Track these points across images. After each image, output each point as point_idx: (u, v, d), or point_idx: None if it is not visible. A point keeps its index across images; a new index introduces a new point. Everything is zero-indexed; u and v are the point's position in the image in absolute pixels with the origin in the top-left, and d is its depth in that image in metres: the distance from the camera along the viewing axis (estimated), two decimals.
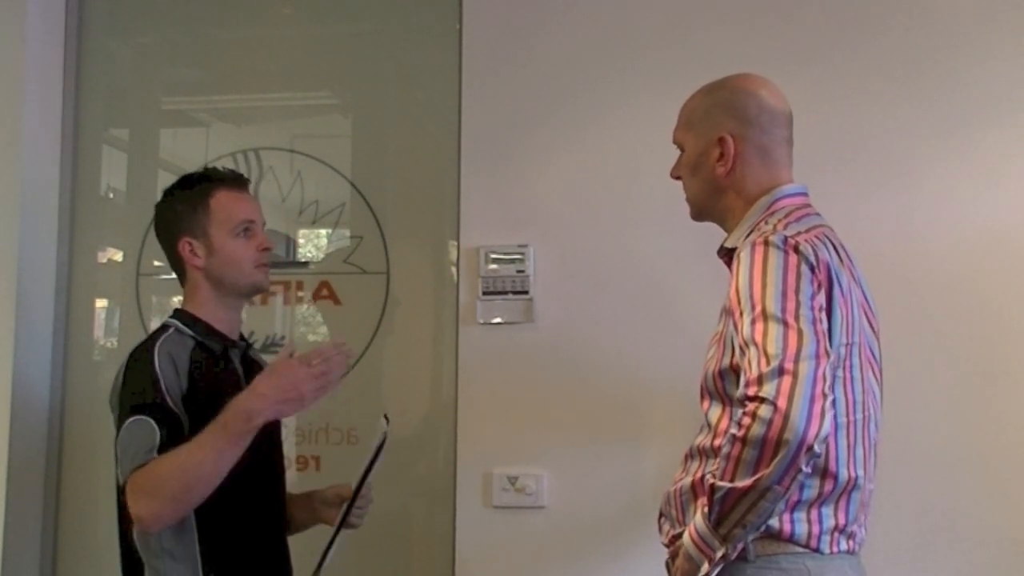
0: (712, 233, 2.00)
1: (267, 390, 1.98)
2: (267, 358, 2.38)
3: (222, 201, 2.18)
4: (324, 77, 3.06)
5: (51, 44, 2.98)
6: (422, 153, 2.91)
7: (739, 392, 1.68)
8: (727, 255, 1.93)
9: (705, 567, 1.71)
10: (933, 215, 2.57)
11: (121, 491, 2.02)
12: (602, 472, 2.63)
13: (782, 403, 1.60)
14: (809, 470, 1.65)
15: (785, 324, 1.66)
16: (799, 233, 1.77)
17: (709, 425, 1.84)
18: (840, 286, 1.76)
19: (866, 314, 1.88)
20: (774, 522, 1.71)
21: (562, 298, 2.69)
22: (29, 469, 2.87)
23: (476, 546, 2.67)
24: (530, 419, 2.67)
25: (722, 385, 1.81)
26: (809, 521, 1.75)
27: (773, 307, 1.68)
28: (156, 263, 2.94)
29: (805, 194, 1.94)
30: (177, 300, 2.29)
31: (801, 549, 1.74)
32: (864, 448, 1.80)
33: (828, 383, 1.65)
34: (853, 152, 2.60)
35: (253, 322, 2.86)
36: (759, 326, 1.67)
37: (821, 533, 1.75)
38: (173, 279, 2.26)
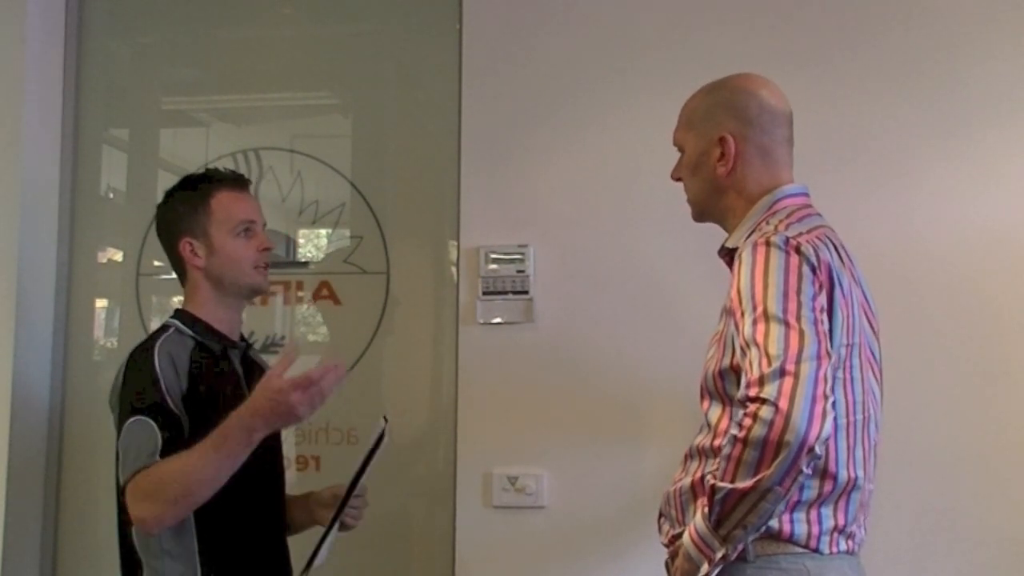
0: (712, 233, 2.00)
1: (263, 410, 1.95)
2: (267, 358, 2.38)
3: (223, 201, 2.19)
4: (324, 77, 3.05)
5: (51, 44, 2.98)
6: (422, 153, 2.91)
7: (740, 393, 1.68)
8: (728, 255, 1.93)
9: (705, 567, 1.70)
10: (933, 215, 2.57)
11: (121, 491, 2.02)
12: (602, 472, 2.63)
13: (783, 404, 1.60)
14: (810, 471, 1.65)
15: (786, 325, 1.66)
16: (800, 234, 1.77)
17: (709, 425, 1.84)
18: (841, 287, 1.76)
19: (866, 315, 1.88)
20: (774, 522, 1.71)
21: (562, 298, 2.69)
22: (29, 469, 2.87)
23: (476, 546, 2.67)
24: (530, 419, 2.66)
25: (722, 385, 1.81)
26: (809, 521, 1.75)
27: (774, 308, 1.68)
28: (156, 263, 2.94)
29: (806, 194, 1.94)
30: (177, 300, 2.30)
31: (801, 549, 1.74)
32: (864, 449, 1.80)
33: (829, 384, 1.65)
34: (853, 152, 2.60)
35: (253, 322, 2.86)
36: (760, 327, 1.67)
37: (821, 533, 1.75)
38: (173, 279, 2.27)
